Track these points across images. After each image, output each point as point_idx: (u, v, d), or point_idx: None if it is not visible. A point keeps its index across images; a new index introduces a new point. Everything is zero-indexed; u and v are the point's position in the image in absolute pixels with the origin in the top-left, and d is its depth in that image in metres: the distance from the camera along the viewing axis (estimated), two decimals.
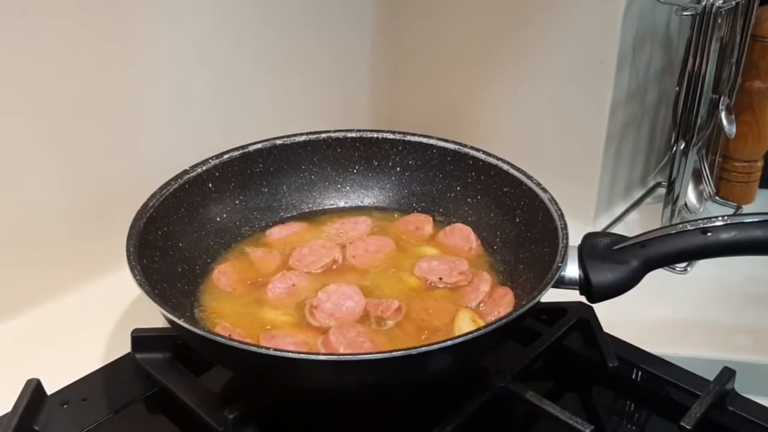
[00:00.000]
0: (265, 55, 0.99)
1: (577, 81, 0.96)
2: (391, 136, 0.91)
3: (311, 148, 0.91)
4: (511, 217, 0.83)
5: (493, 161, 0.85)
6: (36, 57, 0.77)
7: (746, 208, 1.08)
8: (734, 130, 0.99)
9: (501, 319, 0.64)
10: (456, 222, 0.87)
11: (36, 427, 0.68)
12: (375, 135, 0.91)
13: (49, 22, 0.77)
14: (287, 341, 0.71)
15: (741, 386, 0.72)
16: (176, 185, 0.81)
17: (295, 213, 0.91)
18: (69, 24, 0.79)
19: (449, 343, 0.60)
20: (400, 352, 0.60)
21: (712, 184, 1.06)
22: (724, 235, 0.68)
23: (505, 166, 0.84)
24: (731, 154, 1.07)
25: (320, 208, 0.92)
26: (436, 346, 0.60)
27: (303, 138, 0.90)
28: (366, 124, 0.97)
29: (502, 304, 0.75)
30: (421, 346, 0.60)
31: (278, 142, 0.89)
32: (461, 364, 0.69)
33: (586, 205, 1.01)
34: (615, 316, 0.79)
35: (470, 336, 0.62)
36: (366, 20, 1.09)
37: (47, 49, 0.78)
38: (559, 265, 0.68)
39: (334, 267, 0.82)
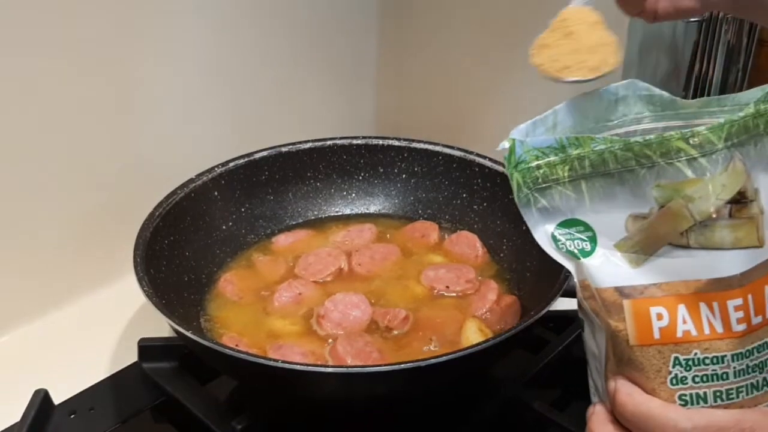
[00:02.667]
0: (270, 63, 0.98)
1: (583, 87, 0.95)
2: (396, 143, 0.91)
3: (317, 155, 0.91)
4: (518, 224, 0.81)
5: (500, 168, 0.85)
6: (43, 65, 0.77)
7: None
8: None
9: (509, 330, 0.64)
10: (462, 229, 0.87)
11: None
12: (380, 142, 0.91)
13: (57, 30, 0.77)
14: (294, 351, 0.71)
15: None
16: (182, 194, 0.81)
17: (300, 220, 0.91)
18: (77, 32, 0.79)
19: (458, 354, 0.60)
20: (408, 365, 0.60)
21: None
22: None
23: None
24: None
25: (326, 215, 0.92)
26: (444, 358, 0.60)
27: (308, 145, 0.90)
28: (371, 131, 0.97)
29: (510, 313, 0.75)
30: (430, 358, 0.60)
31: (283, 149, 0.89)
32: (469, 375, 0.68)
33: None
34: None
35: (479, 348, 0.62)
36: (371, 27, 1.09)
37: (53, 57, 0.78)
38: (567, 274, 0.68)
39: (341, 275, 0.82)
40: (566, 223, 0.49)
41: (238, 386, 0.74)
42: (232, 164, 0.86)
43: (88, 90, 0.82)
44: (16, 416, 0.68)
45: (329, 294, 0.78)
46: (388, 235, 0.88)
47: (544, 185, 0.48)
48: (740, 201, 0.46)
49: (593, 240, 0.48)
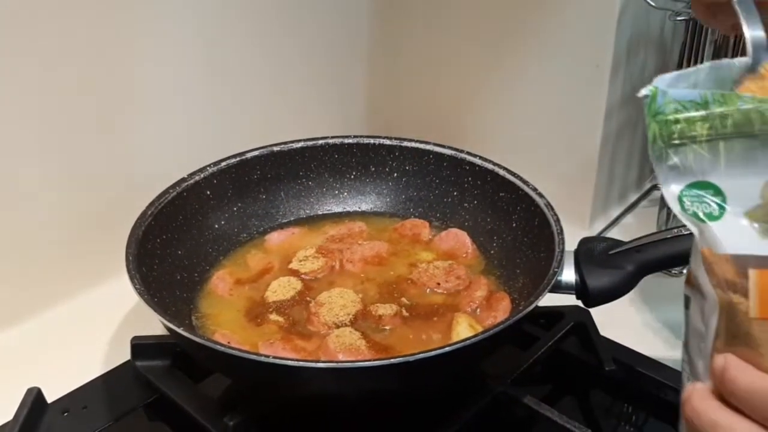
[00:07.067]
0: (262, 63, 0.99)
1: (572, 86, 0.96)
2: (387, 141, 0.91)
3: (308, 154, 0.91)
4: (508, 222, 0.84)
5: (490, 166, 0.86)
6: (35, 65, 0.78)
7: None
8: None
9: (498, 324, 0.64)
10: (452, 227, 0.88)
11: None
12: (372, 141, 0.92)
13: (48, 31, 0.77)
14: (286, 348, 0.71)
15: None
16: (174, 193, 0.81)
17: (292, 219, 0.91)
18: (69, 32, 0.79)
19: (447, 349, 0.60)
20: (398, 359, 0.60)
21: None
22: None
23: (502, 172, 0.85)
24: None
25: (318, 213, 0.92)
26: (434, 353, 0.60)
27: (300, 144, 0.91)
28: (363, 130, 0.98)
29: (499, 309, 0.76)
30: (420, 353, 0.60)
31: (275, 148, 0.89)
32: (459, 370, 0.69)
33: (581, 209, 1.01)
34: (611, 320, 0.79)
35: (468, 342, 0.62)
36: (363, 27, 1.09)
37: (46, 57, 0.78)
38: (556, 270, 0.69)
39: (332, 272, 0.83)
40: (696, 185, 0.46)
41: (231, 384, 0.75)
42: (224, 163, 0.86)
43: (80, 92, 0.82)
44: (8, 414, 0.68)
45: (321, 291, 0.78)
46: (379, 233, 0.89)
47: (679, 142, 0.46)
48: None
49: (722, 205, 0.46)
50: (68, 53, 0.80)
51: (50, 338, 0.83)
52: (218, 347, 0.62)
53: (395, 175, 0.92)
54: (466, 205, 0.88)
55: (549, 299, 0.69)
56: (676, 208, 0.47)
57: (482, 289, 0.78)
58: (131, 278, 0.69)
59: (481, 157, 0.87)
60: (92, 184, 0.87)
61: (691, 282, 0.49)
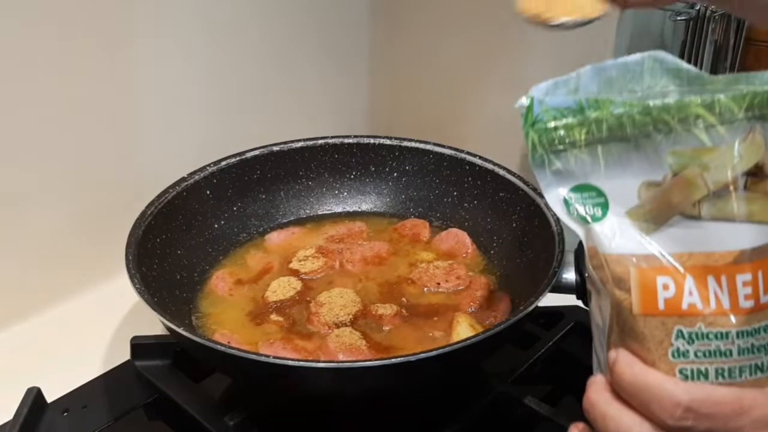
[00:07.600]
0: (262, 63, 0.99)
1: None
2: (387, 141, 0.91)
3: (308, 154, 0.91)
4: (508, 221, 0.84)
5: (490, 166, 0.86)
6: (37, 65, 0.78)
7: None
8: None
9: (499, 324, 0.64)
10: (452, 227, 0.88)
11: None
12: (372, 141, 0.92)
13: (51, 32, 0.78)
14: (286, 347, 0.71)
15: None
16: (174, 193, 0.81)
17: (292, 219, 0.91)
18: (70, 33, 0.79)
19: (448, 349, 0.61)
20: (399, 359, 0.60)
21: None
22: None
23: (502, 171, 0.85)
24: None
25: (318, 213, 0.92)
26: (434, 353, 0.60)
27: (300, 144, 0.91)
28: (363, 130, 0.98)
29: (499, 309, 0.76)
30: (420, 353, 0.60)
31: (275, 148, 0.89)
32: (460, 370, 0.69)
33: None
34: None
35: (468, 342, 0.62)
36: (363, 27, 1.09)
37: (48, 58, 0.78)
38: (556, 270, 0.69)
39: (332, 272, 0.83)
40: (579, 188, 0.48)
41: (232, 383, 0.75)
42: (224, 163, 0.87)
43: (81, 92, 0.82)
44: (8, 414, 0.68)
45: (321, 291, 0.78)
46: (379, 233, 0.89)
47: (561, 147, 0.48)
48: (757, 174, 0.45)
49: (605, 206, 0.47)
50: (69, 53, 0.80)
51: (50, 338, 0.83)
52: (218, 347, 0.62)
53: (395, 175, 0.92)
54: (466, 205, 0.89)
55: (549, 299, 0.69)
56: (560, 210, 0.49)
57: (482, 288, 0.78)
58: (131, 278, 0.69)
59: (481, 157, 0.87)
60: (92, 184, 0.87)
61: (589, 276, 0.50)
